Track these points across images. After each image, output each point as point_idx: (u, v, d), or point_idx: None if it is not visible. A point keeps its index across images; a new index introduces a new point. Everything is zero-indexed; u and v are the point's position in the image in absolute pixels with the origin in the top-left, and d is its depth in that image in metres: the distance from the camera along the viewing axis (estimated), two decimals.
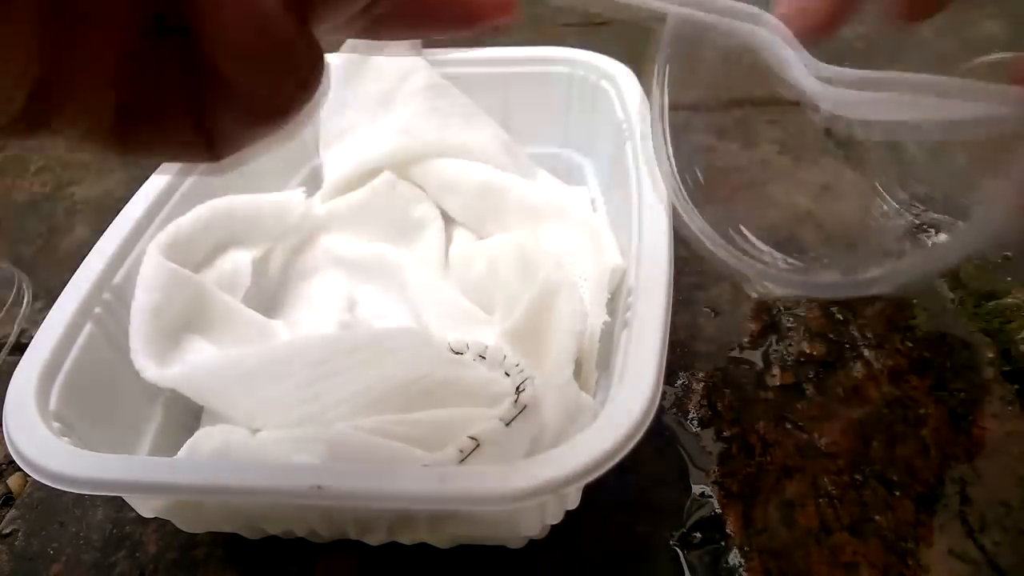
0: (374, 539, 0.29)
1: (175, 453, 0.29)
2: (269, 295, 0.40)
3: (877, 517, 0.31)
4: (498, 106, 0.47)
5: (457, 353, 0.33)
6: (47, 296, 0.46)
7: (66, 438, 0.26)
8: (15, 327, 0.41)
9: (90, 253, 0.33)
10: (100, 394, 0.30)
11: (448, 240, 0.42)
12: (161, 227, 0.35)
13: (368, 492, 0.23)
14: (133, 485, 0.24)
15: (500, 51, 0.48)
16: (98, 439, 0.28)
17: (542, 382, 0.29)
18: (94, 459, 0.24)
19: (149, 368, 0.31)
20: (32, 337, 0.29)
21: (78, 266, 0.32)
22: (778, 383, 0.38)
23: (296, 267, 0.41)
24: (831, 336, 0.40)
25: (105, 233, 0.34)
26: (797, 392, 0.37)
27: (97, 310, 0.31)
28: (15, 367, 0.28)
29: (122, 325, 0.32)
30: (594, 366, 0.31)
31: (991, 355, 0.38)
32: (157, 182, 0.36)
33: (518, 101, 0.48)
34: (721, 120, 0.60)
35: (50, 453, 0.25)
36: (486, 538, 0.30)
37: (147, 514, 0.29)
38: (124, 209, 0.35)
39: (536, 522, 0.28)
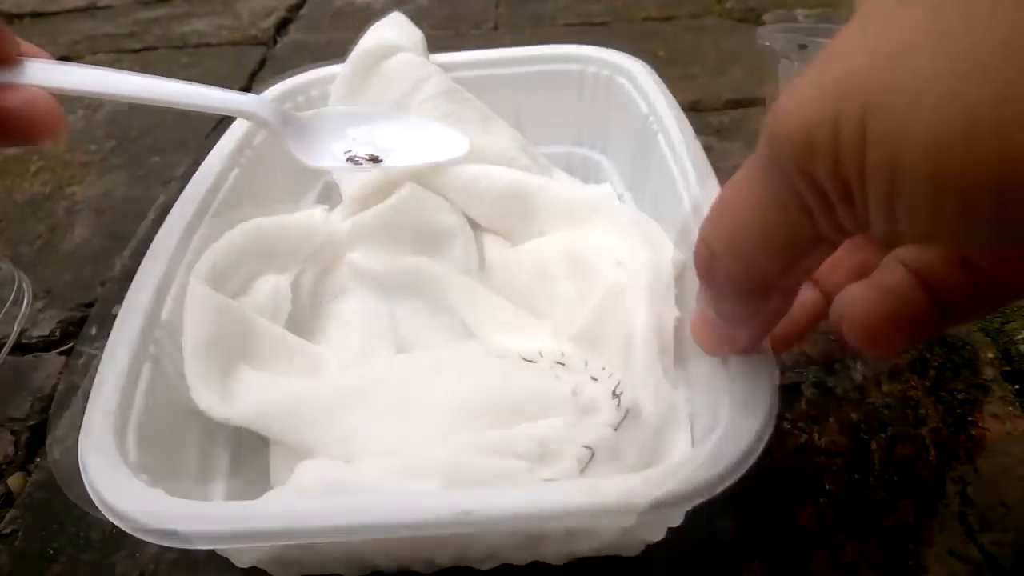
0: (491, 563, 0.28)
1: (247, 492, 0.29)
2: (302, 319, 0.38)
3: (877, 517, 0.31)
4: (508, 107, 0.46)
5: (530, 362, 0.32)
6: (47, 296, 0.46)
7: (158, 489, 0.23)
8: (15, 327, 0.41)
9: (131, 288, 0.30)
10: (169, 438, 0.28)
11: (479, 247, 0.40)
12: (197, 255, 0.33)
13: (517, 513, 0.21)
14: (265, 533, 0.22)
15: (510, 51, 0.47)
16: (173, 486, 0.25)
17: (635, 383, 0.28)
18: (210, 510, 0.23)
19: (215, 407, 0.29)
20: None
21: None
22: (778, 383, 0.37)
23: (326, 288, 0.39)
24: (831, 336, 0.40)
25: (142, 266, 0.31)
26: (797, 392, 0.37)
27: (151, 349, 0.29)
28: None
29: (175, 362, 0.30)
30: (672, 364, 0.31)
31: (991, 355, 0.38)
32: (185, 207, 0.35)
33: (528, 101, 0.47)
34: (721, 120, 0.60)
35: (153, 509, 0.22)
36: (609, 548, 0.29)
37: (244, 564, 0.28)
38: (156, 238, 0.33)
39: (661, 527, 0.27)
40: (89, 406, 0.26)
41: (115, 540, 0.33)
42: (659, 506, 0.21)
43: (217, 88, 0.31)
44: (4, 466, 0.37)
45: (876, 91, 0.14)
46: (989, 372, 0.37)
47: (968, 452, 0.34)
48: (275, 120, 0.33)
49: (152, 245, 0.33)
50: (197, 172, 0.37)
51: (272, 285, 0.35)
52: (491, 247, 0.40)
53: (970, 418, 0.35)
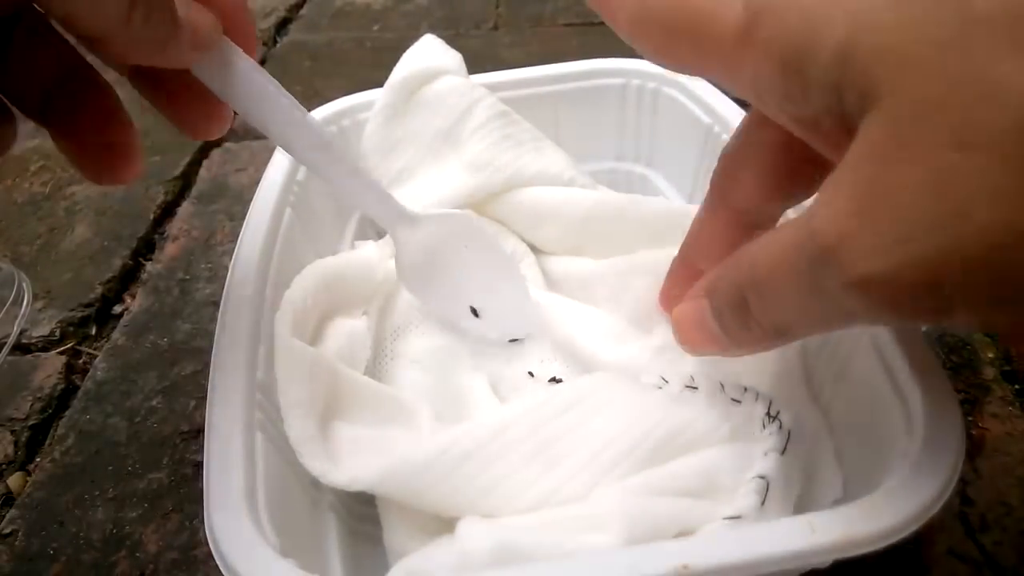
0: None
1: (364, 562, 0.27)
2: (370, 363, 0.35)
3: None
4: (548, 126, 0.44)
5: (658, 388, 0.30)
6: (47, 296, 0.46)
7: (313, 574, 0.21)
8: (15, 327, 0.41)
9: (221, 344, 0.28)
10: (287, 510, 0.26)
11: (544, 273, 0.39)
12: (274, 304, 0.30)
13: (741, 561, 0.20)
14: None
15: (548, 69, 0.45)
16: (304, 563, 0.22)
17: (783, 401, 0.27)
18: None
19: (329, 472, 0.26)
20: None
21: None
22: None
23: (387, 327, 0.36)
24: None
25: (224, 317, 0.29)
26: None
27: (258, 415, 0.27)
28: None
29: (278, 426, 0.27)
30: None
31: (991, 355, 0.38)
32: (249, 252, 0.32)
33: (567, 118, 0.45)
34: None
35: None
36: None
37: None
38: (230, 287, 0.31)
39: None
40: (212, 483, 0.23)
41: (115, 540, 0.33)
42: (878, 539, 0.20)
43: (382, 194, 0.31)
44: (4, 466, 0.37)
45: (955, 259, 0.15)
46: (989, 372, 0.37)
47: (968, 452, 0.34)
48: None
49: (226, 296, 0.30)
50: (250, 214, 0.35)
51: (348, 329, 0.33)
52: (561, 270, 0.39)
53: (970, 418, 0.35)
